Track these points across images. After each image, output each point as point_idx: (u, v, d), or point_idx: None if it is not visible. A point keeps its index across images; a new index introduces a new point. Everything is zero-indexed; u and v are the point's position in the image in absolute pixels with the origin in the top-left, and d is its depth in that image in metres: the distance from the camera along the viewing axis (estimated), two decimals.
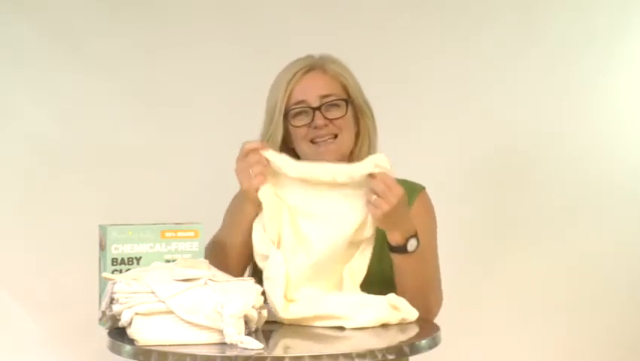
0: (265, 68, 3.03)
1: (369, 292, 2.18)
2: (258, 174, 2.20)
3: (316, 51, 2.48)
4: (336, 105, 2.40)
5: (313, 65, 2.43)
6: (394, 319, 2.12)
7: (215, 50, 3.22)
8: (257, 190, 2.21)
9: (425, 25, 3.30)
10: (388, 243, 2.23)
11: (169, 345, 1.91)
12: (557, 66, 3.33)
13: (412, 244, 2.21)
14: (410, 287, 2.26)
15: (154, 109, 3.20)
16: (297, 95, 2.40)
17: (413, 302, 2.19)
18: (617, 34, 3.33)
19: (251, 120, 2.58)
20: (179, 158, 3.21)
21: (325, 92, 2.40)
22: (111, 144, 3.17)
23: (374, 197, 2.15)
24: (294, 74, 2.40)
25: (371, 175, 2.17)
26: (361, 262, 2.22)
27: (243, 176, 2.22)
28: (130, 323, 1.95)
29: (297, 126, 2.39)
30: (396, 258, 2.24)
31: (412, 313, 2.16)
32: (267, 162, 2.22)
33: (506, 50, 3.32)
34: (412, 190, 2.46)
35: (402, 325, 2.14)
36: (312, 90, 2.40)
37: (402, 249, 2.22)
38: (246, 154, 2.22)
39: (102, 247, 2.16)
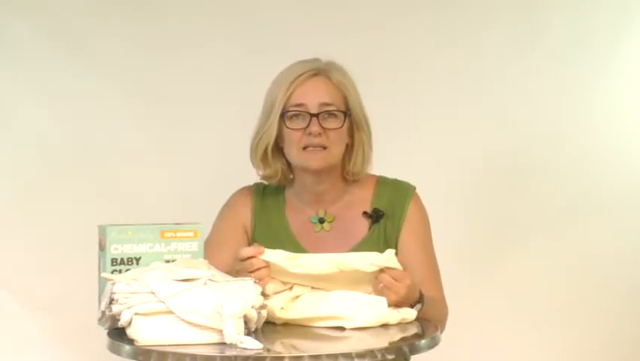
0: (265, 68, 3.04)
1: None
2: (263, 277, 2.14)
3: (316, 51, 2.48)
4: (334, 116, 2.40)
5: (318, 71, 2.42)
6: (393, 319, 2.13)
7: (215, 49, 3.22)
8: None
9: (425, 25, 3.29)
10: None
11: (169, 345, 1.91)
12: (557, 66, 3.33)
13: (417, 308, 2.20)
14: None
15: (154, 109, 3.20)
16: (298, 98, 2.40)
17: None
18: (617, 34, 3.33)
19: (251, 120, 2.58)
20: (179, 158, 3.21)
21: (326, 100, 2.40)
22: (111, 144, 3.17)
23: (381, 285, 2.12)
24: (298, 76, 2.40)
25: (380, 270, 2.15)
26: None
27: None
28: (130, 323, 1.95)
29: (292, 129, 2.39)
30: None
31: (411, 313, 2.16)
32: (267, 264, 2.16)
33: (506, 50, 3.31)
34: (406, 193, 2.47)
35: (402, 325, 2.14)
36: (314, 95, 2.39)
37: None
38: (244, 261, 2.15)
39: (102, 247, 2.16)
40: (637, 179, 3.35)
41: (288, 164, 2.46)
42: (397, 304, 2.14)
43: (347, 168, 2.46)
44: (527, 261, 3.32)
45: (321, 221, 2.47)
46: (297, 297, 2.15)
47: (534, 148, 3.33)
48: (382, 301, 2.13)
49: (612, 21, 3.33)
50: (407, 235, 2.44)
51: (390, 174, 2.56)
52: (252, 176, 2.57)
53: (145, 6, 3.19)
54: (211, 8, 3.21)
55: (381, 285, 2.12)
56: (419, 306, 2.20)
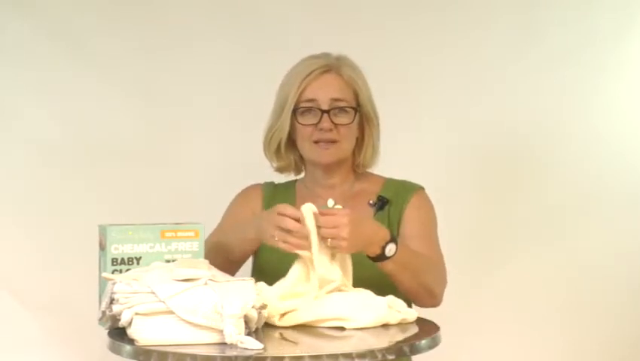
0: (265, 68, 3.05)
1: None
2: (287, 243, 2.16)
3: (316, 52, 2.49)
4: (345, 111, 2.44)
5: (330, 67, 2.46)
6: (394, 319, 2.13)
7: (215, 50, 3.21)
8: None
9: (425, 25, 3.29)
10: (367, 256, 2.23)
11: (169, 345, 1.91)
12: (558, 66, 3.32)
13: (390, 249, 2.22)
14: (408, 284, 2.28)
15: (154, 109, 3.20)
16: (309, 94, 2.43)
17: (417, 294, 2.28)
18: (618, 34, 3.33)
19: (251, 120, 2.59)
20: (179, 158, 3.20)
21: (337, 96, 2.44)
22: (112, 144, 3.17)
23: (329, 240, 2.14)
24: (310, 73, 2.44)
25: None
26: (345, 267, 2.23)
27: (271, 231, 2.18)
28: (130, 323, 1.95)
29: (304, 124, 2.43)
30: (383, 266, 2.24)
31: (412, 314, 2.16)
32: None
33: (506, 50, 3.31)
34: (408, 190, 2.50)
35: (402, 325, 2.14)
36: (325, 92, 2.43)
37: (382, 257, 2.22)
38: (282, 215, 2.18)
39: (102, 247, 2.16)
40: (637, 179, 3.35)
41: (301, 156, 2.52)
42: (354, 241, 2.15)
43: (357, 161, 2.51)
44: (527, 261, 3.32)
45: None
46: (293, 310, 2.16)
47: (535, 148, 3.33)
48: (382, 301, 2.13)
49: (613, 21, 3.32)
50: (408, 219, 2.46)
51: (389, 174, 2.57)
52: (253, 176, 2.58)
53: (145, 6, 3.19)
54: (211, 8, 3.21)
55: (329, 240, 2.13)
56: (392, 247, 2.20)
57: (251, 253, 2.44)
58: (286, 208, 2.18)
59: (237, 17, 3.23)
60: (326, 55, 2.48)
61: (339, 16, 3.26)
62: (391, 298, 2.16)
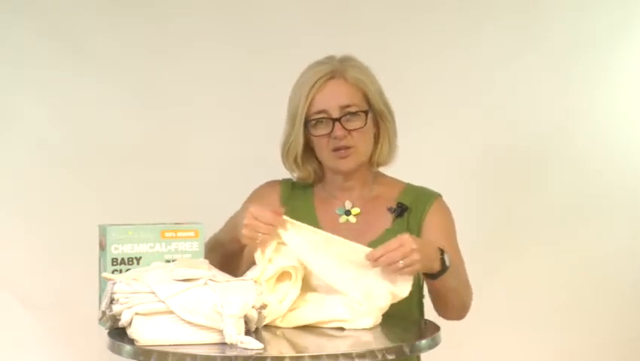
0: (265, 68, 3.05)
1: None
2: (264, 241, 2.18)
3: (316, 52, 2.49)
4: (356, 116, 2.43)
5: (334, 73, 2.44)
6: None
7: (215, 50, 3.21)
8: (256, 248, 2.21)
9: (426, 25, 3.29)
10: (429, 275, 2.23)
11: (169, 345, 1.91)
12: (558, 66, 3.32)
13: (448, 257, 2.23)
14: (455, 301, 2.30)
15: (154, 109, 3.20)
16: (318, 105, 2.42)
17: (456, 312, 2.34)
18: (618, 34, 3.33)
19: (252, 120, 2.59)
20: (179, 158, 3.20)
21: (346, 102, 2.43)
22: (111, 144, 3.17)
23: (400, 263, 2.12)
24: (315, 82, 2.42)
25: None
26: None
27: (249, 235, 2.19)
28: (130, 323, 1.95)
29: (317, 136, 2.43)
30: (439, 282, 2.24)
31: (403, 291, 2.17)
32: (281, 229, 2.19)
33: (507, 50, 3.31)
34: (428, 197, 2.50)
35: (403, 324, 2.14)
36: (333, 100, 2.42)
37: (444, 269, 2.22)
38: (256, 218, 2.18)
39: (102, 247, 2.16)
40: (637, 180, 3.35)
41: (320, 164, 2.51)
42: (429, 266, 2.18)
43: (373, 159, 2.50)
44: (527, 261, 3.31)
45: (347, 213, 2.49)
46: (294, 309, 2.16)
47: (535, 148, 3.33)
48: (379, 308, 2.13)
49: (613, 20, 3.33)
50: (429, 227, 2.46)
51: (390, 173, 2.57)
52: (253, 176, 2.58)
53: (145, 6, 3.19)
54: (211, 8, 3.21)
55: (400, 263, 2.11)
56: (446, 255, 2.22)
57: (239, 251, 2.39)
58: (261, 212, 2.18)
59: (237, 17, 3.23)
60: (330, 59, 2.47)
61: (339, 16, 3.26)
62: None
